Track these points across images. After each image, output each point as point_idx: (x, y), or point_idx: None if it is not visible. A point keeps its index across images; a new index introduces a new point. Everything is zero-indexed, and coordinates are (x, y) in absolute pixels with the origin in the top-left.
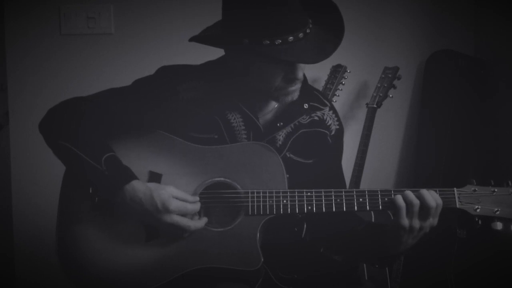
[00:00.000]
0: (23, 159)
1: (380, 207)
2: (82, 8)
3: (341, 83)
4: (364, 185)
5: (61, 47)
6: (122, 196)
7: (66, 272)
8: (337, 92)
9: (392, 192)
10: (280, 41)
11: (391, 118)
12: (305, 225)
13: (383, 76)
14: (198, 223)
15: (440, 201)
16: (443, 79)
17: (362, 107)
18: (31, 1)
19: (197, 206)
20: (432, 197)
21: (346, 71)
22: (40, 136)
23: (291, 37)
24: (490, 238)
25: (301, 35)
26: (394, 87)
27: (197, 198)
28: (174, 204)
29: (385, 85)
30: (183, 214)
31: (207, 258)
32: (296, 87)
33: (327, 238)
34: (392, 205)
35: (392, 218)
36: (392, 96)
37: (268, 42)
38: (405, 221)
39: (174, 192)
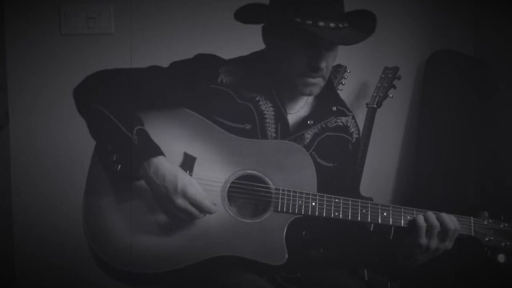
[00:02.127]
0: (23, 159)
1: (402, 223)
2: (82, 8)
3: (341, 83)
4: (364, 185)
5: (61, 47)
6: (146, 168)
7: (92, 248)
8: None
9: (415, 211)
10: (323, 23)
11: (391, 118)
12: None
13: (383, 76)
14: (200, 216)
15: (458, 226)
16: (443, 79)
17: (362, 107)
18: (31, 1)
19: (210, 210)
20: (451, 221)
21: (346, 71)
22: (39, 136)
23: (332, 24)
24: None
25: (340, 25)
26: (394, 87)
27: (216, 208)
28: (192, 191)
29: (385, 85)
30: (196, 206)
31: (231, 247)
32: (316, 81)
33: (328, 238)
34: (412, 224)
35: (393, 233)
36: (392, 96)
37: (311, 22)
38: (424, 240)
39: (198, 187)
